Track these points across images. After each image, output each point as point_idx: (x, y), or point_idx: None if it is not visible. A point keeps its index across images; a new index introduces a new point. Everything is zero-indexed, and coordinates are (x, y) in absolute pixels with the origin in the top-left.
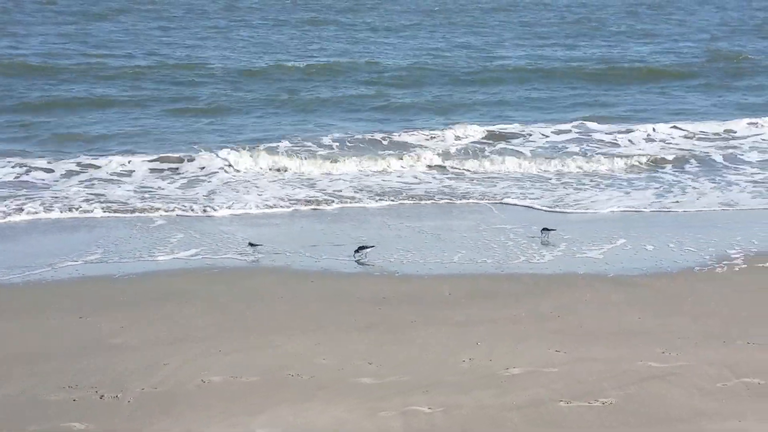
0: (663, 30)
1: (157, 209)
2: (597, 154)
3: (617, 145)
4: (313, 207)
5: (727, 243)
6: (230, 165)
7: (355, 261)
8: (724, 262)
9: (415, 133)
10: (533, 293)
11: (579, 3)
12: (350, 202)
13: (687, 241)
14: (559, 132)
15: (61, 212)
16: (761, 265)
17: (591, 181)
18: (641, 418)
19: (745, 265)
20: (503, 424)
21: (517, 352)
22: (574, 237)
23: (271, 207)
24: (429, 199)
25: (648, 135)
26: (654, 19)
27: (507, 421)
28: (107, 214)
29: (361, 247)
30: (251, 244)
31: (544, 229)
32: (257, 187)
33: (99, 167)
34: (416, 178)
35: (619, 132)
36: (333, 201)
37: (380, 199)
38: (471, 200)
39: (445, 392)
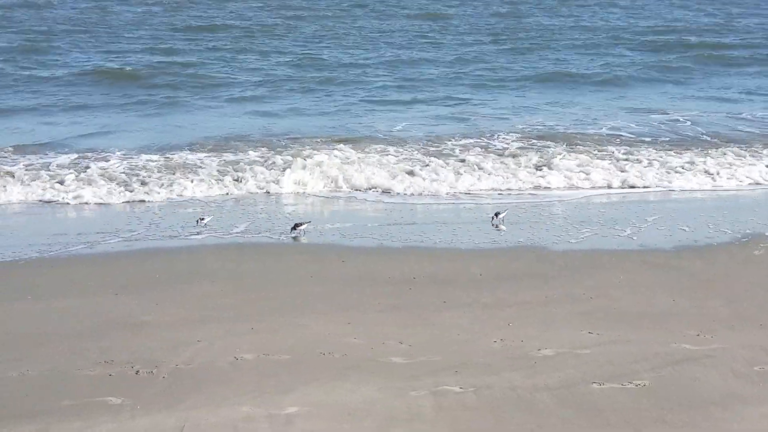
0: None
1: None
2: None
3: None
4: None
5: (764, 224)
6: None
7: (292, 238)
8: (761, 245)
9: None
10: (564, 275)
11: None
12: None
13: (722, 222)
14: None
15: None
16: None
17: None
18: (675, 401)
19: None
20: (535, 405)
21: (549, 333)
22: (607, 217)
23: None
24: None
25: None
26: None
27: (538, 402)
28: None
29: (297, 224)
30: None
31: (496, 213)
32: None
33: None
34: None
35: None
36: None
37: None
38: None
39: (475, 372)
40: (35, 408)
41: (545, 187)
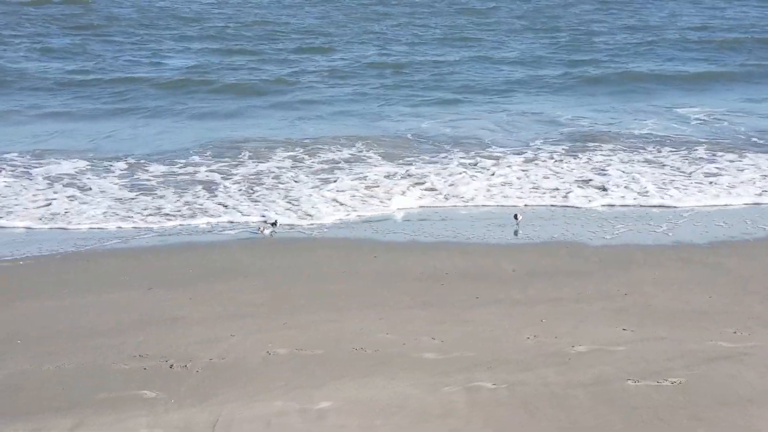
0: None
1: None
2: None
3: None
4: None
5: None
6: None
7: (265, 231)
8: None
9: None
10: (598, 271)
11: None
12: None
13: (760, 218)
14: None
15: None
16: None
17: None
18: (712, 399)
19: None
20: (568, 402)
21: (582, 329)
22: (641, 213)
23: None
24: None
25: None
26: None
27: (572, 399)
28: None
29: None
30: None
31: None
32: None
33: None
34: None
35: None
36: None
37: None
38: None
39: (509, 369)
40: (71, 401)
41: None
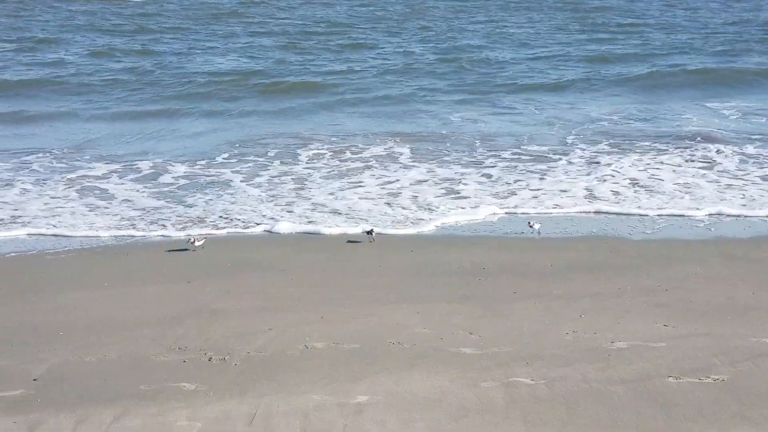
0: None
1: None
2: None
3: None
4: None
5: None
6: None
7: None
8: None
9: None
10: (638, 266)
11: None
12: None
13: None
14: None
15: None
16: None
17: None
18: (756, 396)
19: None
20: (608, 398)
21: (622, 325)
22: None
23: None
24: None
25: None
26: None
27: (612, 395)
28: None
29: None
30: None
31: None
32: None
33: None
34: None
35: None
36: None
37: None
38: None
39: (547, 364)
40: (113, 392)
41: None
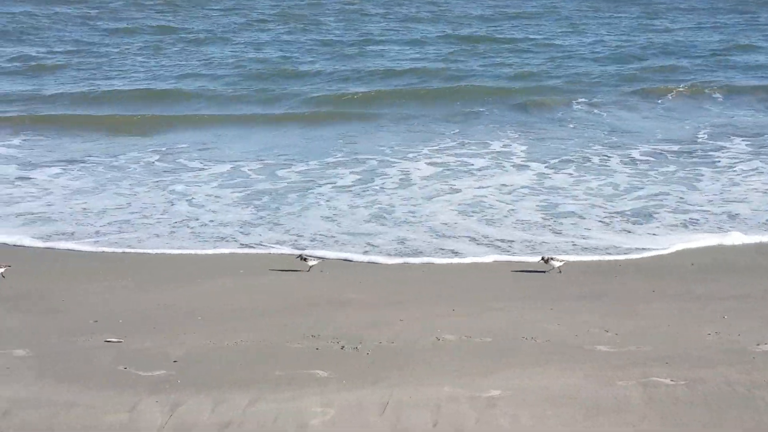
0: None
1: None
2: None
3: None
4: None
5: None
6: None
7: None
8: None
9: None
10: None
11: None
12: None
13: None
14: None
15: None
16: None
17: None
18: None
19: None
20: (752, 403)
21: None
22: None
23: None
24: None
25: None
26: None
27: (757, 400)
28: None
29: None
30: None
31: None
32: None
33: None
34: None
35: None
36: None
37: None
38: None
39: (687, 365)
40: (249, 376)
41: None
